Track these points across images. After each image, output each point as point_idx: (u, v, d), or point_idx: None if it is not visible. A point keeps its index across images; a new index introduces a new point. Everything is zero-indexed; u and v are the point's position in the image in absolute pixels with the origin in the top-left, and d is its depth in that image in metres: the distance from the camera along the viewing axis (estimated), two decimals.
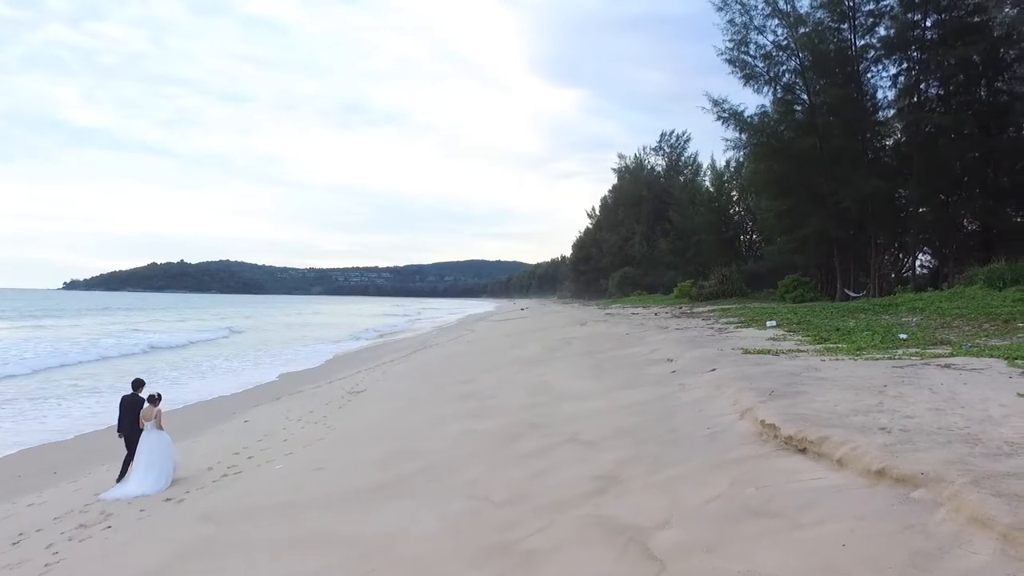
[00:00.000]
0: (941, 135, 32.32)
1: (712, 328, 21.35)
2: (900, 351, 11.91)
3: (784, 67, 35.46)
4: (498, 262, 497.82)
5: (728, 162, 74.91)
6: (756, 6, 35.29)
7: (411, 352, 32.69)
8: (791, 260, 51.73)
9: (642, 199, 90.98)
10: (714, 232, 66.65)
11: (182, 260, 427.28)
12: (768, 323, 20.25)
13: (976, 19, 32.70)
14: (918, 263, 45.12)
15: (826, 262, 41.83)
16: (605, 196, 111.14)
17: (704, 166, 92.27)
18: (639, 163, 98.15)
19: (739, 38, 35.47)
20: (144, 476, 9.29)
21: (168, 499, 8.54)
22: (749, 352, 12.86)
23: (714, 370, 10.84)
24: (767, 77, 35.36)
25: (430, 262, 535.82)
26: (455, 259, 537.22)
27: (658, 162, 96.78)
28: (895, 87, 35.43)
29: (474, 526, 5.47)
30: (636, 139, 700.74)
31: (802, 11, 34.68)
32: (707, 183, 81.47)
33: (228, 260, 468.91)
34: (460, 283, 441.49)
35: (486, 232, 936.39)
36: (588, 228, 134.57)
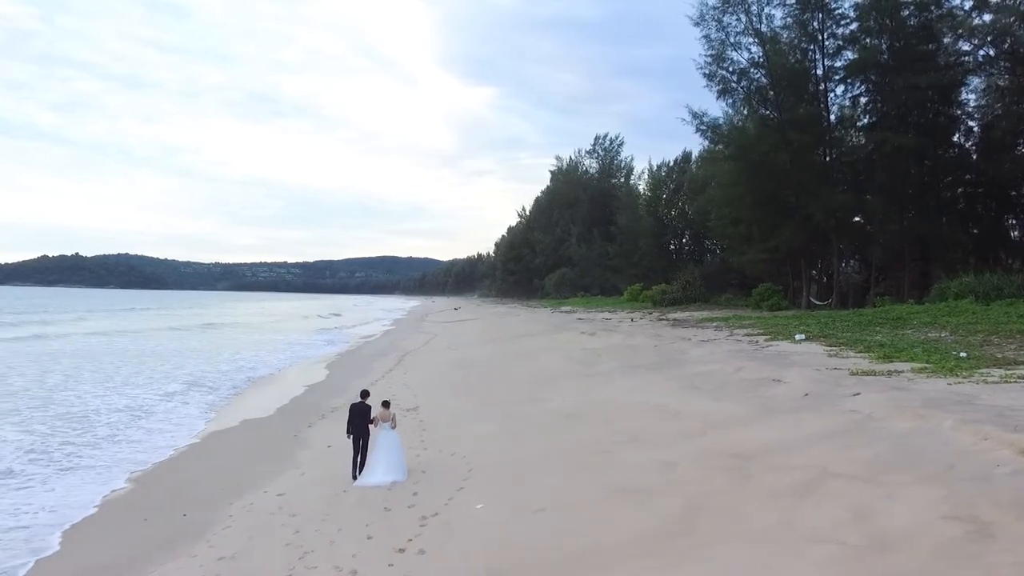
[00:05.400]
0: (901, 153, 34.73)
1: (738, 339, 22.10)
2: (997, 372, 12.79)
3: (757, 83, 37.13)
4: (410, 259, 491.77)
5: (659, 167, 77.88)
6: (731, 23, 36.81)
7: (398, 359, 31.75)
8: (732, 266, 54.23)
9: (578, 201, 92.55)
10: (654, 236, 68.97)
11: (77, 253, 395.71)
12: (796, 336, 21.17)
13: (928, 47, 35.50)
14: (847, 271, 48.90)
15: (779, 270, 44.17)
16: (539, 196, 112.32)
17: (638, 169, 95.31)
18: (574, 165, 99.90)
19: (715, 53, 36.88)
20: (388, 467, 10.82)
21: (401, 549, 7.96)
22: (856, 373, 13.45)
23: (858, 394, 11.29)
24: (743, 93, 36.96)
25: (341, 258, 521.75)
26: (366, 255, 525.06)
27: (591, 164, 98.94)
28: (856, 107, 37.95)
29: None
30: (548, 139, 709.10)
31: (776, 29, 36.48)
32: (642, 187, 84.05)
33: (128, 253, 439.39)
34: (371, 279, 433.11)
35: (398, 229, 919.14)
36: (511, 227, 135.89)
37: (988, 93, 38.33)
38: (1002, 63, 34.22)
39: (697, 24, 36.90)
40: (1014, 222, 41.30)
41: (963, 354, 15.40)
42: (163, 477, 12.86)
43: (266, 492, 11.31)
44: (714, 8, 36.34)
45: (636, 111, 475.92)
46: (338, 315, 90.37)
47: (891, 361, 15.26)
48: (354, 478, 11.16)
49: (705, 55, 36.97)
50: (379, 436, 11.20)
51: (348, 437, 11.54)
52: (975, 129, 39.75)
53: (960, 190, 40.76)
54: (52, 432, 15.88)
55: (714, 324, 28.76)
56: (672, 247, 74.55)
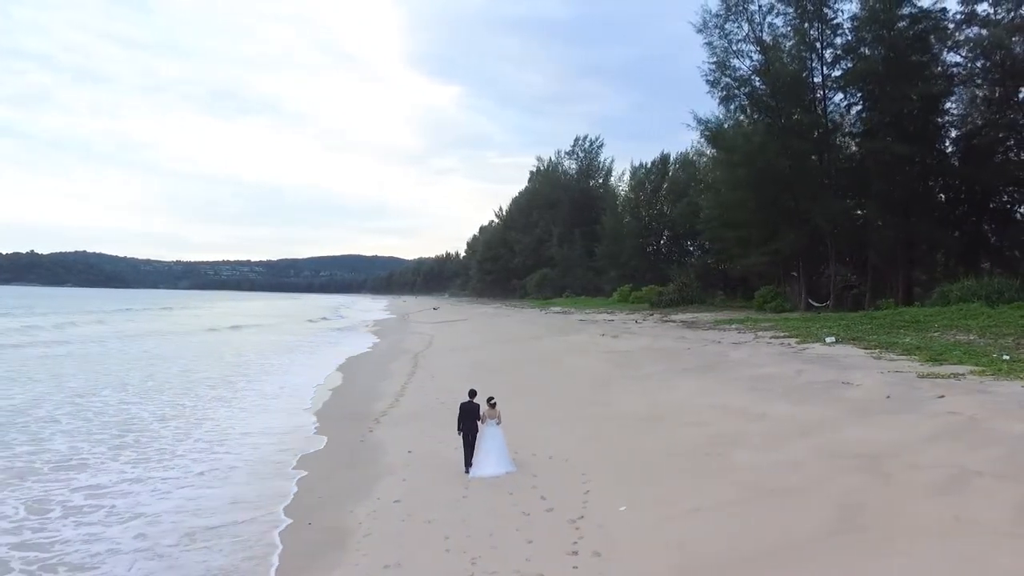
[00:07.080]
0: (894, 160, 36.03)
1: (767, 341, 22.79)
2: None
3: (758, 91, 38.13)
4: (375, 257, 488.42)
5: (637, 168, 79.17)
6: (733, 31, 37.75)
7: (413, 362, 31.74)
8: (714, 268, 55.57)
9: (558, 202, 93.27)
10: (637, 237, 70.18)
11: (32, 250, 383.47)
12: (827, 339, 21.91)
13: (921, 58, 36.92)
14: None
15: (770, 272, 45.36)
16: (517, 196, 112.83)
17: (617, 171, 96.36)
18: (554, 166, 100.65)
19: (718, 60, 37.80)
20: (499, 459, 11.87)
21: (573, 552, 8.16)
22: (923, 376, 14.16)
23: (942, 397, 11.95)
24: (745, 100, 37.93)
25: (305, 256, 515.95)
26: (331, 253, 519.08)
27: (571, 165, 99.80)
28: (850, 114, 39.28)
29: None
30: (515, 138, 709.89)
31: (777, 38, 37.52)
32: (623, 188, 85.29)
33: (86, 251, 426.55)
34: (336, 278, 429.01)
35: (363, 227, 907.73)
36: (485, 227, 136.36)
37: (971, 103, 40.13)
38: (991, 75, 35.77)
39: (700, 31, 37.85)
40: (993, 226, 43.27)
41: (1006, 357, 16.22)
42: (258, 485, 12.83)
43: (379, 499, 11.36)
44: (717, 16, 37.29)
45: (603, 111, 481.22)
46: (341, 316, 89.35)
47: (940, 364, 16.00)
48: (466, 471, 12.10)
49: (708, 62, 37.92)
50: (486, 431, 12.17)
51: (459, 434, 12.45)
52: (958, 137, 41.57)
53: (942, 196, 42.58)
54: (125, 443, 15.62)
55: (733, 326, 29.48)
56: (651, 248, 75.85)
